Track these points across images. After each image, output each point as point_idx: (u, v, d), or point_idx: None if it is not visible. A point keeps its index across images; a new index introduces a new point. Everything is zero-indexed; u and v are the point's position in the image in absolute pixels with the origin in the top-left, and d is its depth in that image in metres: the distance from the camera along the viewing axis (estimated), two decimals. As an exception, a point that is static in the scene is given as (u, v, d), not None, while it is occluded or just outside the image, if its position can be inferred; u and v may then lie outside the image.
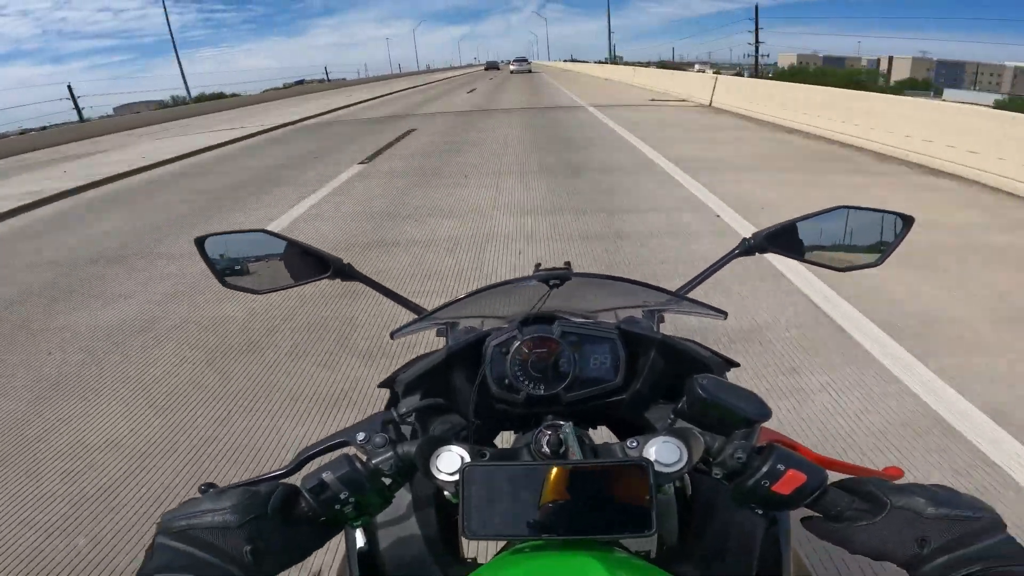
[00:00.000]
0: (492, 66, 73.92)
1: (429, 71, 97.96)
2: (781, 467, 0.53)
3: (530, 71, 50.12)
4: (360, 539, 0.72)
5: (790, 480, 0.53)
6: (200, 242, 0.88)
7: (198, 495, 0.56)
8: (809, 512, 0.56)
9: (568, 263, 0.76)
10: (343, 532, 0.65)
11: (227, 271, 0.90)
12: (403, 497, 0.74)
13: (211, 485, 0.58)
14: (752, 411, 0.56)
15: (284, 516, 0.55)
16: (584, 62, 66.01)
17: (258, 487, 0.56)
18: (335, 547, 1.64)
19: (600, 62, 58.11)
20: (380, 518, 0.73)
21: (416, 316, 0.83)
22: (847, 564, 1.64)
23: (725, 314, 0.77)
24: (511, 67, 55.56)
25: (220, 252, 0.90)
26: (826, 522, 0.55)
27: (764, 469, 0.53)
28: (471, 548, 0.76)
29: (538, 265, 0.76)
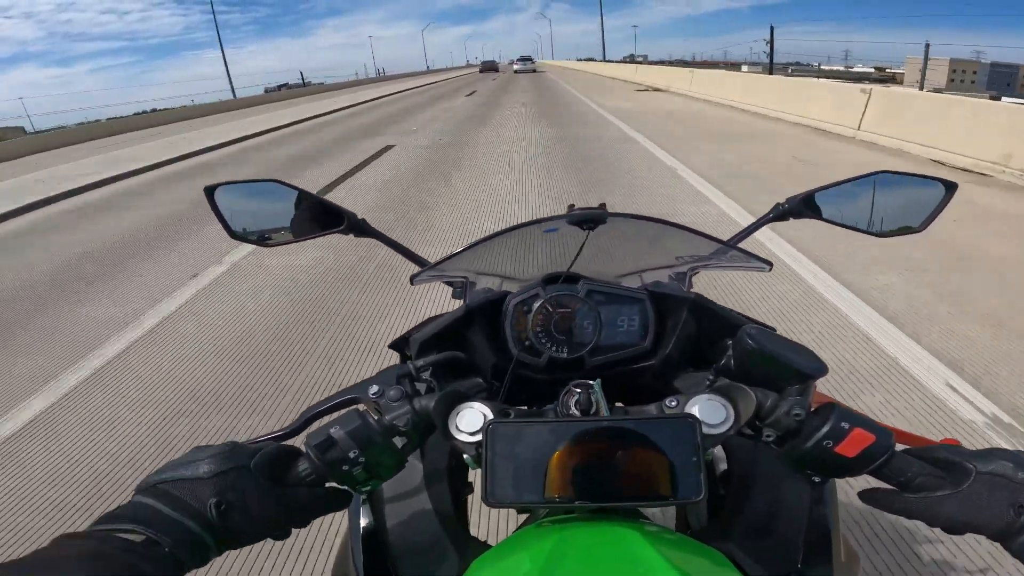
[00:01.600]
0: (489, 67, 60.10)
1: (378, 79, 67.92)
2: (845, 425, 0.47)
3: (535, 71, 47.27)
4: (365, 517, 0.67)
5: (856, 440, 0.47)
6: (210, 191, 0.83)
7: None
8: (867, 486, 0.50)
9: (603, 204, 0.69)
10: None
11: (236, 222, 0.85)
12: (413, 470, 0.69)
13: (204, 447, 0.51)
14: (808, 365, 0.51)
15: (274, 475, 0.48)
16: (610, 61, 56.65)
17: (248, 443, 0.50)
18: (337, 525, 1.64)
19: (618, 61, 53.94)
20: (387, 492, 0.68)
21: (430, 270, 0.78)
22: (894, 541, 1.57)
23: (770, 264, 0.71)
24: (515, 67, 51.66)
25: (231, 202, 0.85)
26: (896, 494, 0.49)
27: (826, 428, 0.47)
28: (483, 528, 0.71)
29: (571, 206, 0.71)
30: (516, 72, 46.80)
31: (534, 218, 0.67)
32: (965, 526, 0.46)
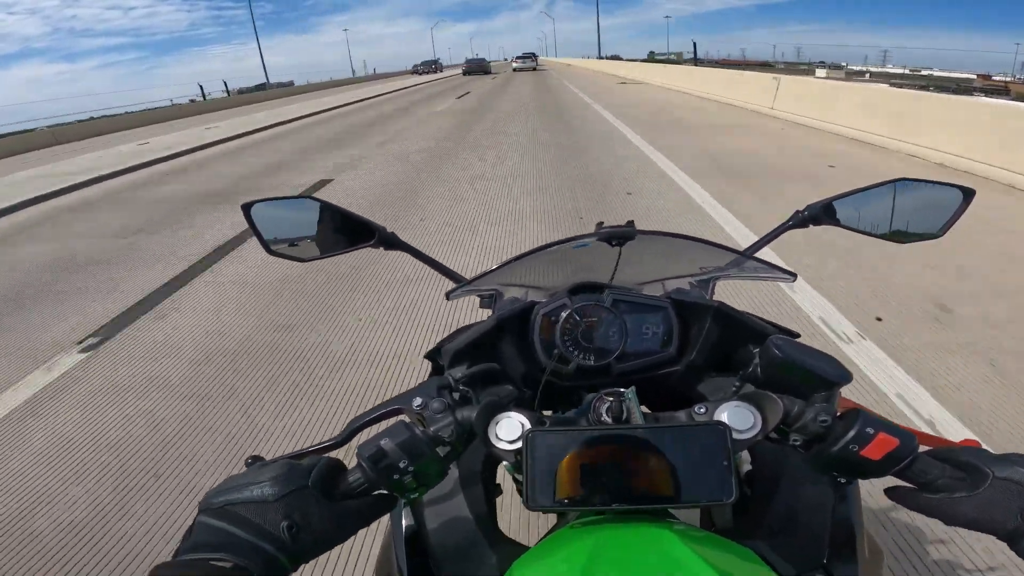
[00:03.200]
0: (476, 68, 44.25)
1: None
2: (870, 431, 0.49)
3: (535, 68, 42.85)
4: (406, 520, 0.70)
5: (880, 444, 0.49)
6: (247, 208, 0.86)
7: (244, 469, 0.53)
8: (894, 482, 0.52)
9: (631, 222, 0.72)
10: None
11: (273, 238, 0.88)
12: (449, 474, 0.70)
13: (257, 458, 0.55)
14: (833, 373, 0.53)
15: (327, 490, 0.52)
16: (649, 61, 43.83)
17: (302, 460, 0.53)
18: (378, 526, 1.65)
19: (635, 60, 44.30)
20: (426, 496, 0.69)
21: (459, 283, 0.81)
22: (917, 540, 1.60)
23: (794, 275, 0.72)
24: (513, 65, 46.32)
25: (266, 219, 0.88)
26: (917, 492, 0.51)
27: (851, 433, 0.50)
28: (514, 529, 0.72)
29: (600, 224, 0.73)
30: (515, 70, 42.36)
31: (565, 237, 0.70)
32: (977, 526, 0.48)
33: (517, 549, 0.66)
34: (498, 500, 0.80)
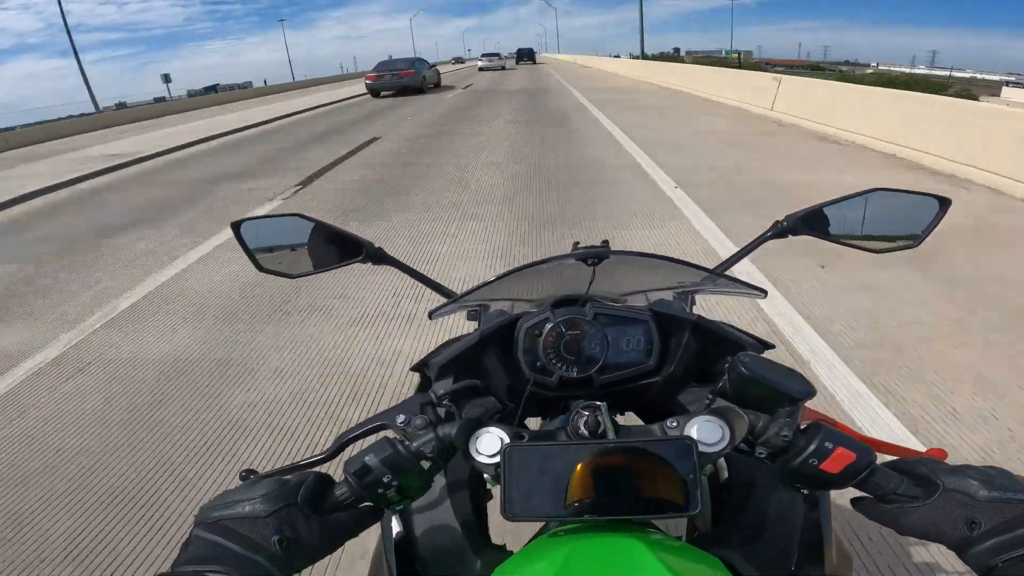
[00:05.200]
0: (394, 84, 19.23)
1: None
2: (829, 445, 0.52)
3: (503, 68, 34.57)
4: (396, 526, 0.72)
5: (839, 458, 0.52)
6: (236, 226, 0.89)
7: (239, 483, 0.56)
8: (857, 493, 0.55)
9: (606, 241, 0.74)
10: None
11: (262, 256, 0.90)
12: (436, 482, 0.74)
13: (251, 471, 0.58)
14: (796, 389, 0.55)
15: (316, 505, 0.55)
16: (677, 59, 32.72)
17: (291, 476, 0.56)
18: (367, 535, 1.68)
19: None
20: (415, 504, 0.72)
21: (448, 299, 0.83)
22: (889, 545, 1.63)
23: (764, 292, 0.75)
24: (479, 63, 37.72)
25: (255, 236, 0.90)
26: (875, 503, 0.54)
27: (811, 447, 0.52)
28: (501, 535, 0.75)
29: (576, 244, 0.76)
30: (481, 69, 34.52)
31: (544, 257, 0.72)
32: (926, 535, 0.50)
33: (499, 553, 0.70)
34: (489, 505, 0.82)
